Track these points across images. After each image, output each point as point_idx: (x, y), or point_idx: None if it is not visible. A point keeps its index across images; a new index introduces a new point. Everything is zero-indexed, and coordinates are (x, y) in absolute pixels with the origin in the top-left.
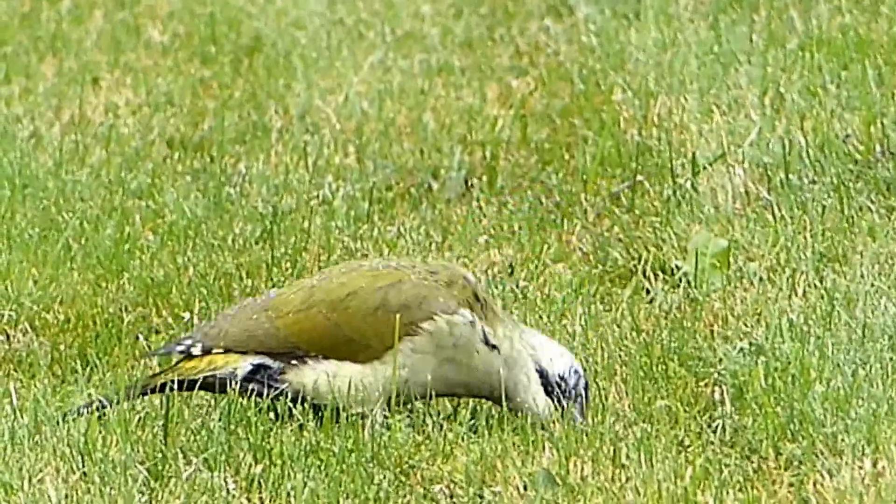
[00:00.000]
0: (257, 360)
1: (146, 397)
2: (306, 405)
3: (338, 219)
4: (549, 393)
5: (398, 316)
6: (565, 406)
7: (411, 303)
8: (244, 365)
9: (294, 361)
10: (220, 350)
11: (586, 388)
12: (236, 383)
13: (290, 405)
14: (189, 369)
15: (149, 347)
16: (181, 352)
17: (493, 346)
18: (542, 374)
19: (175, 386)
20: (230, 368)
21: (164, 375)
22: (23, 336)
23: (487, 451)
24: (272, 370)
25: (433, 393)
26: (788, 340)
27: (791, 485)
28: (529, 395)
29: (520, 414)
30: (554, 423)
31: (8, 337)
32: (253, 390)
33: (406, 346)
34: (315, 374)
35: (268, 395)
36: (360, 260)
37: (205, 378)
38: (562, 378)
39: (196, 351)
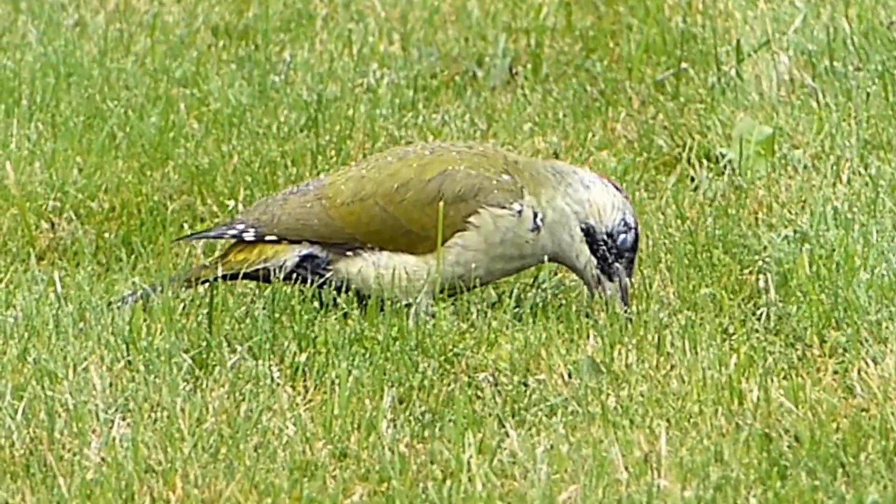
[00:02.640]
0: (307, 250)
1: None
2: (350, 293)
3: (382, 106)
4: (594, 251)
5: (442, 206)
6: (610, 264)
7: (466, 194)
8: (293, 256)
9: (349, 252)
10: (274, 237)
11: (636, 242)
12: (283, 273)
13: (335, 293)
14: (240, 261)
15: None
16: (233, 236)
17: (538, 228)
18: (588, 232)
19: (223, 278)
20: (280, 259)
21: (213, 268)
22: (68, 224)
23: (532, 339)
24: (320, 259)
25: (486, 282)
26: (833, 228)
27: (835, 372)
28: (573, 252)
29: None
30: (599, 311)
31: (53, 225)
32: (298, 277)
33: (458, 242)
34: (366, 265)
35: (313, 282)
36: (403, 147)
37: (255, 270)
38: (609, 235)
39: (249, 237)
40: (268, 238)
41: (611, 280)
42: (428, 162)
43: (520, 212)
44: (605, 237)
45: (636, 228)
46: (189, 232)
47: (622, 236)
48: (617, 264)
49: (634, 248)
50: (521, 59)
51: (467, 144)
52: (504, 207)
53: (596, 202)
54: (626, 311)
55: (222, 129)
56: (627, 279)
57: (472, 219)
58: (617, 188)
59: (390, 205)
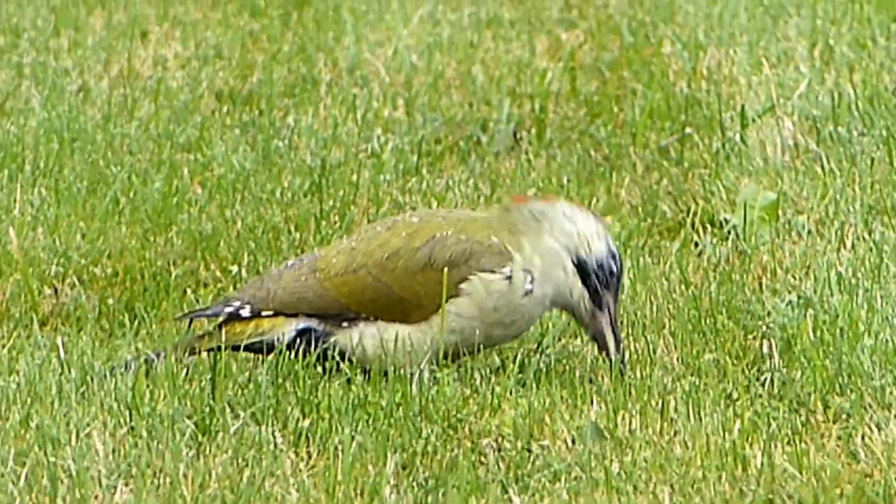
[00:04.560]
0: (304, 323)
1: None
2: (354, 360)
3: (386, 172)
4: (585, 284)
5: (445, 271)
6: (600, 295)
7: (458, 259)
8: (290, 330)
9: (345, 324)
10: (270, 313)
11: (622, 266)
12: (282, 347)
13: (339, 358)
14: (237, 334)
15: (197, 301)
16: (230, 314)
17: (529, 292)
18: (581, 265)
19: (222, 349)
20: (277, 333)
21: (210, 339)
22: (70, 290)
23: (535, 404)
24: (318, 333)
25: (488, 347)
26: (837, 293)
27: (839, 438)
28: (567, 289)
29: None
30: (602, 377)
31: (56, 290)
32: (299, 350)
33: (451, 309)
34: (363, 336)
35: (315, 351)
36: (391, 217)
37: (252, 343)
38: (599, 265)
39: (245, 313)
40: (264, 313)
41: (601, 310)
42: (416, 229)
43: (510, 277)
44: (595, 268)
45: (619, 253)
46: (191, 296)
47: (610, 263)
48: (606, 292)
49: (621, 272)
50: (526, 124)
51: (447, 210)
52: (494, 272)
53: (583, 233)
54: (623, 368)
55: (226, 195)
56: (615, 307)
57: (463, 286)
58: (594, 214)
59: (383, 273)
